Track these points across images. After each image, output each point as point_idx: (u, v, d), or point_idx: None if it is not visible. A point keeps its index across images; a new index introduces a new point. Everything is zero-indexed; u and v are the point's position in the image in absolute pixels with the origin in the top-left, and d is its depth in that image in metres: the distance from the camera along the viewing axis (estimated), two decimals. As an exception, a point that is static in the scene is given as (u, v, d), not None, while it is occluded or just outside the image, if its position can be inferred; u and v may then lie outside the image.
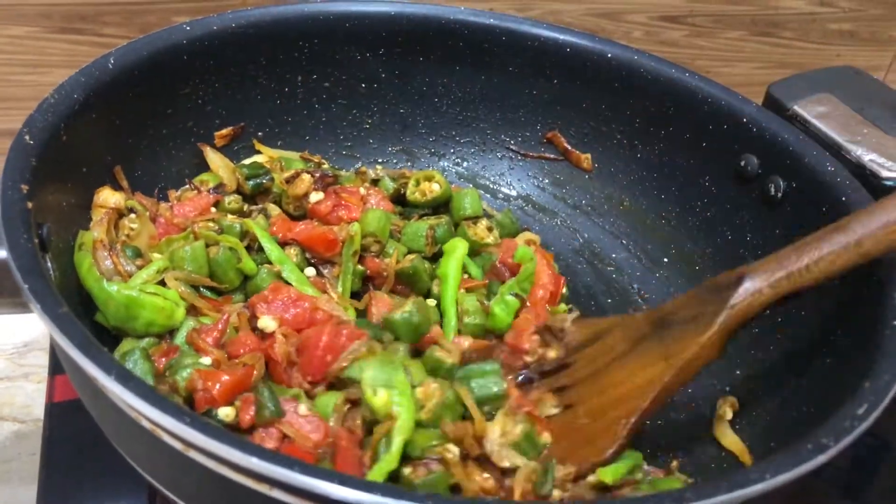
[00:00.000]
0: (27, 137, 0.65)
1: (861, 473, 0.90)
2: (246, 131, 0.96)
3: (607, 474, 0.67)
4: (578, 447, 0.69)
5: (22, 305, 0.62)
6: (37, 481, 0.76)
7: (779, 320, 0.81)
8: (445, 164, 1.05)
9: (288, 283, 0.81)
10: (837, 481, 0.88)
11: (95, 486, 0.76)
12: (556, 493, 0.66)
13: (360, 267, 0.86)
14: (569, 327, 0.77)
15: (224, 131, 0.94)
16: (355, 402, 0.71)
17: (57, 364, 0.87)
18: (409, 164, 1.05)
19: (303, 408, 0.68)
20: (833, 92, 0.91)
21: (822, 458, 0.50)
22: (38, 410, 0.86)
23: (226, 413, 0.66)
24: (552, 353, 0.76)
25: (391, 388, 0.68)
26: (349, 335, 0.73)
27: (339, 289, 0.84)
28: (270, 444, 0.66)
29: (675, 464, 0.75)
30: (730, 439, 0.77)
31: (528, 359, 0.76)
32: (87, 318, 0.70)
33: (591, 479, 0.67)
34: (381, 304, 0.82)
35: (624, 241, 1.00)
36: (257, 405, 0.67)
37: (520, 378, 0.75)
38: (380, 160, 1.04)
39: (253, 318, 0.77)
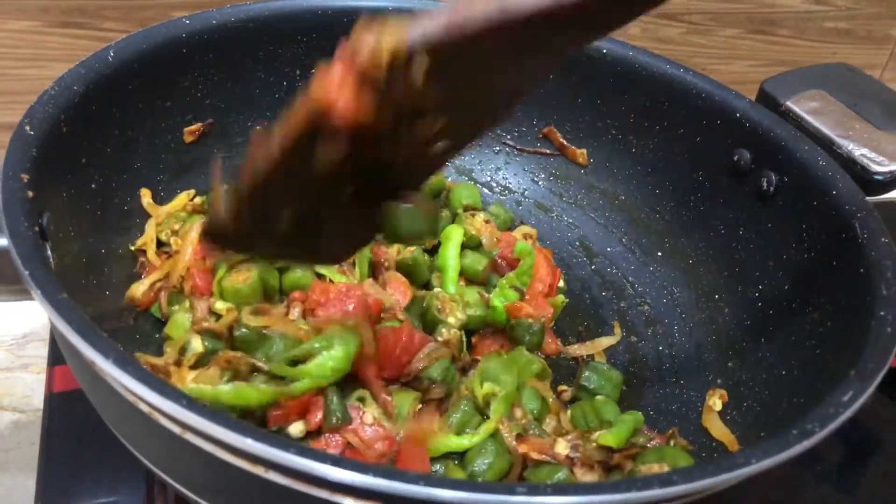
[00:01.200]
0: (28, 128, 0.65)
1: (853, 467, 0.90)
2: (241, 126, 0.97)
3: (610, 438, 0.72)
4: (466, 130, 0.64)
5: (20, 293, 0.63)
6: (36, 470, 0.77)
7: (770, 312, 0.83)
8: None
9: (320, 276, 0.83)
10: (829, 475, 0.88)
11: (94, 475, 0.77)
12: (562, 449, 0.71)
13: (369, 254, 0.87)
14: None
15: (193, 127, 0.91)
16: (427, 402, 0.75)
17: (56, 354, 0.87)
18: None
19: (369, 416, 0.70)
20: (825, 88, 0.91)
21: (807, 444, 0.51)
22: (38, 400, 0.87)
23: (299, 429, 0.69)
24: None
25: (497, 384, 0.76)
26: (421, 339, 0.77)
27: (357, 274, 0.85)
28: (334, 452, 0.68)
29: (673, 430, 0.77)
30: (719, 430, 0.78)
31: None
32: (88, 306, 0.71)
33: (596, 441, 0.72)
34: (398, 288, 0.85)
35: (619, 236, 1.01)
36: (325, 411, 0.68)
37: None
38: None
39: (309, 311, 0.79)
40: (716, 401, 0.79)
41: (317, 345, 0.70)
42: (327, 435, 0.69)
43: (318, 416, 0.69)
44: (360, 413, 0.70)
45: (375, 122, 0.52)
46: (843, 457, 0.90)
